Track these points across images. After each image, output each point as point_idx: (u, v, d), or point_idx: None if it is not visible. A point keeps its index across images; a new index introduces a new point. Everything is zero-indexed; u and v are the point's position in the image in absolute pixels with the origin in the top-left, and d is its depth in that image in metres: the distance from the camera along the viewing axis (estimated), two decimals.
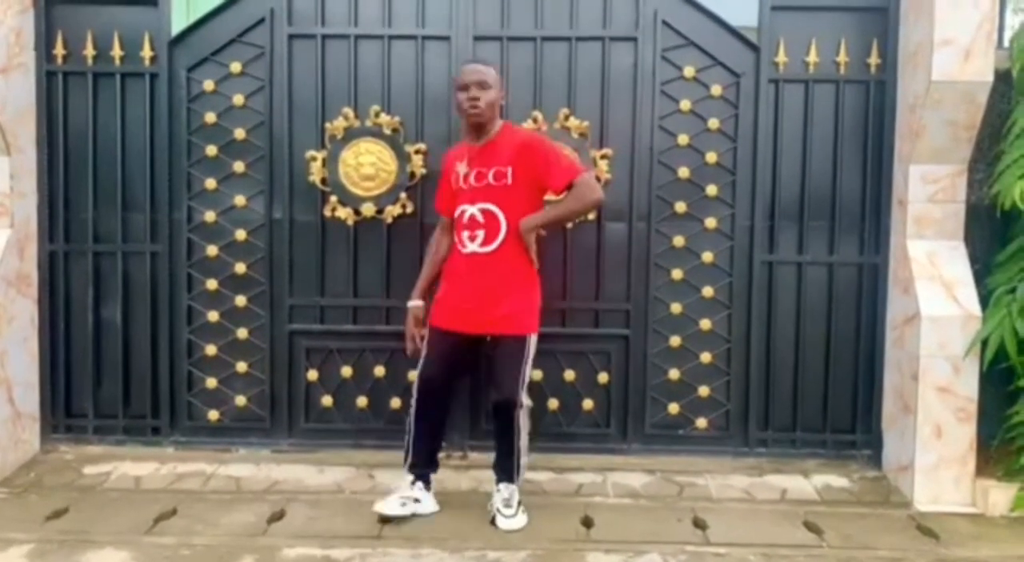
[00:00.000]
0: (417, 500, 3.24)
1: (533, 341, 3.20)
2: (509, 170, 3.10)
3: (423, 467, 3.31)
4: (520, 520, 3.18)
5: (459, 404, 3.80)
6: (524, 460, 3.30)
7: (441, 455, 3.78)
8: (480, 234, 3.12)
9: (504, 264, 3.13)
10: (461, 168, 3.20)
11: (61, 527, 3.14)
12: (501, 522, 3.17)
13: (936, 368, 3.43)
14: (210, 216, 3.80)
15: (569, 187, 3.09)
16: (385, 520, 3.19)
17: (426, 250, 3.47)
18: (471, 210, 3.14)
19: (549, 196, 3.25)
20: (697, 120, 3.76)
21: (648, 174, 3.76)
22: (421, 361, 3.26)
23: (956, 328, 3.42)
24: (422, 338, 3.30)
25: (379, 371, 3.83)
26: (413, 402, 3.27)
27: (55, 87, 3.78)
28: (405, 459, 3.30)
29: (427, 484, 3.31)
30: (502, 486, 3.25)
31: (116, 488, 3.50)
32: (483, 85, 3.07)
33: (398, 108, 3.76)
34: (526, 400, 3.23)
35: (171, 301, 3.83)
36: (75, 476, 3.60)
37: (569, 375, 3.83)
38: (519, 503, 3.23)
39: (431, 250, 3.43)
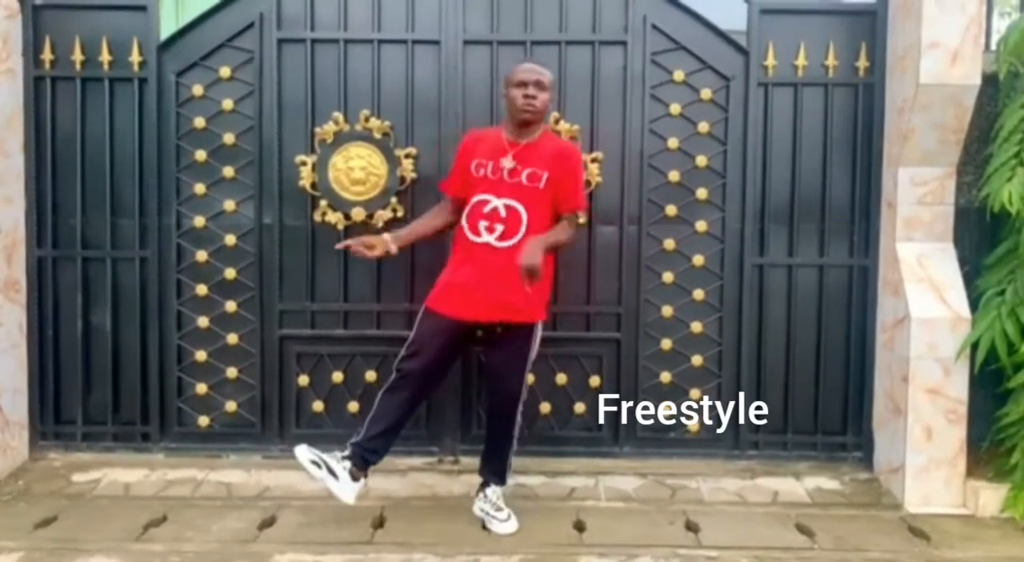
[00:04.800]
0: (333, 473, 3.02)
1: (539, 330, 3.19)
2: (545, 175, 3.10)
3: (365, 452, 3.08)
4: (514, 523, 3.18)
5: (451, 409, 3.80)
6: (512, 460, 3.30)
7: (432, 460, 3.80)
8: (499, 228, 3.07)
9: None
10: (492, 162, 3.12)
11: (50, 535, 3.12)
12: (497, 526, 3.17)
13: (926, 370, 3.45)
14: (199, 221, 3.78)
15: (574, 217, 3.21)
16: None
17: (426, 213, 3.41)
18: (496, 203, 3.09)
19: None
20: (687, 123, 3.77)
21: (638, 178, 3.76)
22: (407, 342, 3.14)
23: (946, 330, 3.44)
24: (368, 246, 3.20)
25: (370, 376, 3.82)
26: (388, 381, 3.14)
27: (43, 92, 3.76)
28: (355, 434, 3.13)
29: (361, 467, 3.08)
30: (490, 490, 3.24)
31: (106, 495, 3.48)
32: (541, 85, 3.08)
33: (388, 112, 3.75)
34: (526, 394, 3.22)
35: (161, 307, 3.81)
36: (64, 483, 3.58)
37: (561, 379, 3.83)
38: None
39: (430, 216, 3.36)
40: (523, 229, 3.07)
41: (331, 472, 3.03)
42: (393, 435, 3.17)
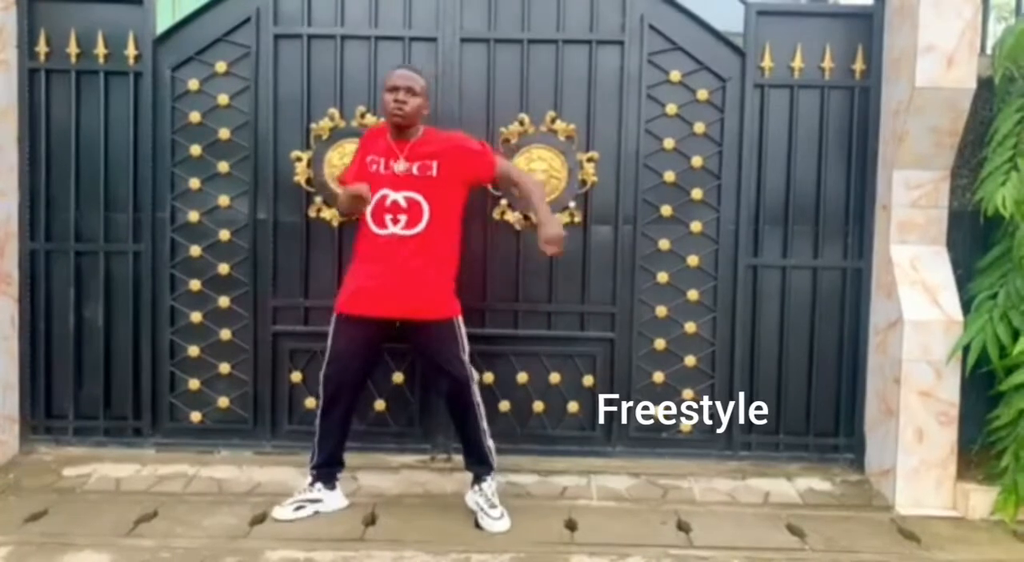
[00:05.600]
0: (316, 500, 3.27)
1: (460, 322, 3.25)
2: (434, 164, 3.18)
3: (329, 466, 3.33)
4: (506, 522, 3.18)
5: (444, 406, 3.79)
6: (491, 443, 3.32)
7: (425, 457, 3.79)
8: (403, 218, 3.16)
9: (426, 248, 3.17)
10: (384, 160, 3.22)
11: (40, 529, 3.11)
12: (489, 524, 3.17)
13: (918, 372, 3.46)
14: (194, 216, 3.77)
15: (498, 172, 3.26)
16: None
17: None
18: (394, 196, 3.18)
19: None
20: (683, 124, 3.77)
21: (634, 177, 3.77)
22: (328, 355, 3.27)
23: (938, 333, 3.45)
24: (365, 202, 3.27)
25: None
26: (321, 400, 3.29)
27: (37, 85, 3.74)
28: (311, 459, 3.32)
29: (330, 482, 3.32)
30: (483, 485, 3.26)
31: (96, 490, 3.47)
32: (411, 91, 3.16)
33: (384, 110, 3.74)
34: (476, 374, 3.30)
35: (154, 301, 3.80)
36: (55, 478, 3.56)
37: (554, 378, 3.83)
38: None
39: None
40: (426, 216, 3.16)
41: (314, 502, 3.27)
42: (344, 444, 3.38)
